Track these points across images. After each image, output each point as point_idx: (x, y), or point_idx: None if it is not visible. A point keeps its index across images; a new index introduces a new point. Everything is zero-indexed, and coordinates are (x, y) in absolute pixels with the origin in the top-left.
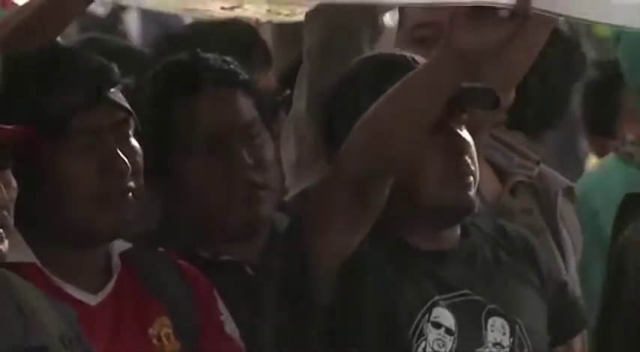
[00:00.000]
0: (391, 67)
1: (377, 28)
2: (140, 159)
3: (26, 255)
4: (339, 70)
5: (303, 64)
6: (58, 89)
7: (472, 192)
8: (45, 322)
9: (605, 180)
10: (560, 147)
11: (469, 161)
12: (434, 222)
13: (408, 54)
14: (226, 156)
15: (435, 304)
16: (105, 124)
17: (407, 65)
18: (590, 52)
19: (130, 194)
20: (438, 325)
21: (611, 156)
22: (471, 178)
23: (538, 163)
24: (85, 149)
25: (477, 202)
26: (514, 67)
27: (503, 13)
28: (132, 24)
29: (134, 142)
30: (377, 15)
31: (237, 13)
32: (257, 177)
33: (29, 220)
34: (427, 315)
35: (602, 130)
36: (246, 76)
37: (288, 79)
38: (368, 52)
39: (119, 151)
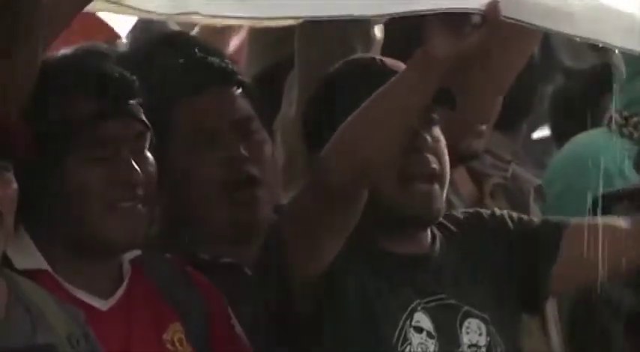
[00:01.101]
0: (364, 70)
1: (369, 40)
2: (154, 171)
3: (38, 262)
4: None
5: (293, 72)
6: (76, 98)
7: (435, 203)
8: (52, 322)
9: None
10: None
11: (430, 159)
12: (401, 223)
13: (377, 56)
14: (224, 149)
15: (415, 309)
16: (121, 136)
17: (377, 67)
18: (567, 59)
19: (141, 205)
20: (419, 329)
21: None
22: (434, 185)
23: (509, 163)
24: (99, 158)
25: (442, 203)
26: (504, 73)
27: (476, 19)
28: None
29: (149, 155)
30: (369, 27)
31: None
32: (254, 171)
33: (42, 227)
34: (409, 320)
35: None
36: (244, 78)
37: (261, 83)
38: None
39: (133, 163)
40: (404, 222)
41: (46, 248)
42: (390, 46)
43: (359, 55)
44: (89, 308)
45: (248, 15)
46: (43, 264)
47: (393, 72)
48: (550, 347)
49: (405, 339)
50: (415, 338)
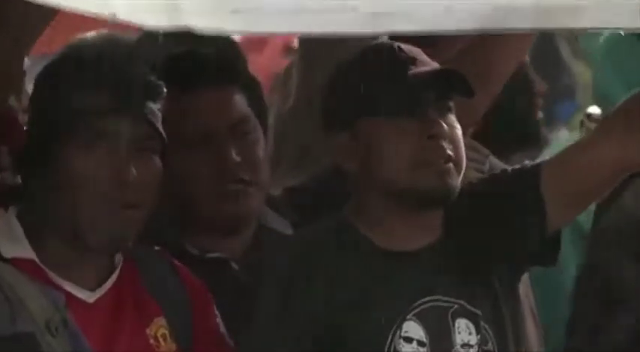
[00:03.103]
0: (382, 57)
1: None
2: (155, 177)
3: (25, 251)
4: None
5: (291, 64)
6: (87, 88)
7: (450, 180)
8: (31, 308)
9: None
10: None
11: (445, 146)
12: (415, 201)
13: (395, 43)
14: (215, 153)
15: (404, 319)
16: (123, 133)
17: (396, 54)
18: None
19: (132, 208)
20: (409, 339)
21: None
22: (449, 164)
23: (487, 157)
24: (95, 153)
25: (457, 182)
26: (496, 77)
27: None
28: None
29: (155, 161)
30: None
31: None
32: (245, 175)
33: (34, 216)
34: (398, 332)
35: None
36: (243, 73)
37: None
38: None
39: (130, 163)
40: (418, 200)
41: (37, 237)
42: None
43: (377, 41)
44: (75, 299)
45: (243, 29)
46: (30, 253)
47: (410, 58)
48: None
49: (396, 351)
50: (405, 348)
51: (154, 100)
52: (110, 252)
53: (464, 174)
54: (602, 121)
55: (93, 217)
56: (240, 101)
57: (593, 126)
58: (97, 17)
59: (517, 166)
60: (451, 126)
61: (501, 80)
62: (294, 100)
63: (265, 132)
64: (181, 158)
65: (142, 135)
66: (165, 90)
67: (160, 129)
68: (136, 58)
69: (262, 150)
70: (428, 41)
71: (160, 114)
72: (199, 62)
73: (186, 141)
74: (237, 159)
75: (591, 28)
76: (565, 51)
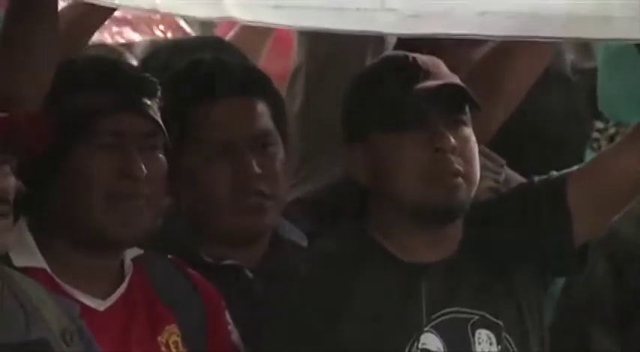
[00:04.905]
0: (397, 68)
1: (381, 43)
2: (162, 171)
3: (36, 260)
4: (340, 82)
5: (298, 67)
6: (91, 88)
7: (459, 195)
8: (46, 317)
9: None
10: None
11: (453, 159)
12: (424, 217)
13: (410, 54)
14: (236, 163)
15: (421, 331)
16: (129, 131)
17: (405, 65)
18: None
19: (143, 202)
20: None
21: None
22: (458, 179)
23: (503, 166)
24: (105, 151)
25: (468, 197)
26: (512, 94)
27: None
28: None
29: (160, 155)
30: None
31: None
32: (264, 188)
33: (44, 223)
34: (416, 344)
35: None
36: (269, 87)
37: None
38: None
39: (137, 158)
40: (427, 215)
41: (48, 245)
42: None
43: (392, 52)
44: (86, 308)
45: (282, 22)
46: (41, 263)
47: (423, 71)
48: None
49: None
50: None
51: (152, 97)
52: (128, 246)
53: (481, 185)
54: (628, 132)
55: (108, 214)
56: (264, 114)
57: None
58: (138, 10)
59: (543, 177)
60: (463, 140)
61: (518, 94)
62: (301, 103)
63: (286, 149)
64: (202, 167)
65: (145, 130)
66: (159, 87)
67: (162, 125)
68: (127, 58)
69: (282, 164)
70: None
71: (158, 111)
72: (226, 70)
73: (207, 150)
74: (258, 170)
75: (622, 39)
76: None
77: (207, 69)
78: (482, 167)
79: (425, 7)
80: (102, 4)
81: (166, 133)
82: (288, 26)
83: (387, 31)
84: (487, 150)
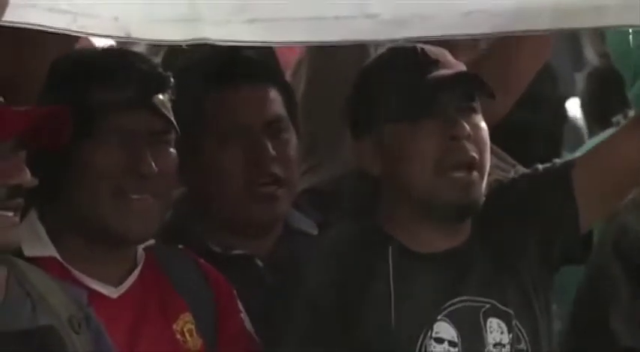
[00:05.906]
0: (406, 60)
1: None
2: (172, 168)
3: (47, 249)
4: (343, 75)
5: (301, 59)
6: (104, 83)
7: (473, 192)
8: (53, 304)
9: None
10: None
11: (468, 147)
12: (437, 213)
13: (419, 46)
14: (251, 146)
15: (434, 319)
16: (140, 127)
17: (415, 56)
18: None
19: (153, 199)
20: (440, 340)
21: None
22: (473, 174)
23: (514, 166)
24: (115, 146)
25: (481, 192)
26: (522, 76)
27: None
28: None
29: (171, 151)
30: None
31: None
32: (278, 171)
33: (54, 214)
34: (429, 332)
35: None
36: (280, 76)
37: None
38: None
39: (147, 154)
40: (440, 212)
41: (59, 235)
42: None
43: (397, 44)
44: (98, 295)
45: (258, 39)
46: (52, 251)
47: (433, 61)
48: None
49: None
50: (437, 349)
51: (164, 92)
52: (137, 243)
53: (490, 179)
54: (632, 118)
55: (114, 211)
56: (276, 101)
57: None
58: (112, 38)
59: (548, 164)
60: (475, 127)
61: (523, 82)
62: (302, 94)
63: (297, 136)
64: (215, 153)
65: (156, 127)
66: (172, 81)
67: (173, 121)
68: (139, 53)
69: (295, 151)
70: (449, 44)
71: (170, 106)
72: (240, 59)
73: (221, 135)
74: (273, 152)
75: (612, 26)
76: (589, 52)
77: (222, 57)
78: (494, 166)
79: (406, 11)
80: (74, 34)
81: (177, 128)
82: (263, 43)
83: (368, 39)
84: (498, 150)
